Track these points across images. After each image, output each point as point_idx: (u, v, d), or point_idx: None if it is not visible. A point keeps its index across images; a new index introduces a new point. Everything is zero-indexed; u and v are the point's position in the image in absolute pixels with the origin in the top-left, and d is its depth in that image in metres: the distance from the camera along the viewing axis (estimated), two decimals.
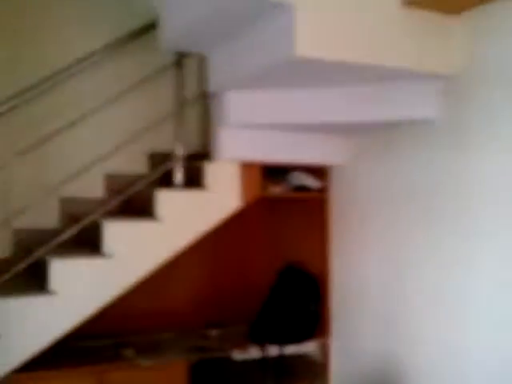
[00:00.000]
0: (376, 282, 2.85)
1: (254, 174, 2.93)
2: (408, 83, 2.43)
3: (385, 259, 2.80)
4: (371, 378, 2.84)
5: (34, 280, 2.63)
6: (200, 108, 3.15)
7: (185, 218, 2.75)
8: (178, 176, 2.83)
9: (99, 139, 3.10)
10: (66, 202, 3.20)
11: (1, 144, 2.93)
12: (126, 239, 2.62)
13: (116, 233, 2.60)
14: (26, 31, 3.20)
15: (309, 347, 3.10)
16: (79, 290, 2.51)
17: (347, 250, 3.07)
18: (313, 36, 2.03)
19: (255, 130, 2.82)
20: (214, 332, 3.21)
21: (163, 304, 3.31)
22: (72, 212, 3.17)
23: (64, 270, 2.49)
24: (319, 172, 3.20)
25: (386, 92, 2.49)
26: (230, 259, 3.56)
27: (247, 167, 2.90)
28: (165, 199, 2.72)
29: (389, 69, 2.22)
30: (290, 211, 3.53)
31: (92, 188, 3.28)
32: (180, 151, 2.84)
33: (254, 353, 2.95)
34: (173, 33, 2.55)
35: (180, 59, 2.84)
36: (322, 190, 3.19)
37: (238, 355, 2.92)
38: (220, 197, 2.83)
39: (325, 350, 3.14)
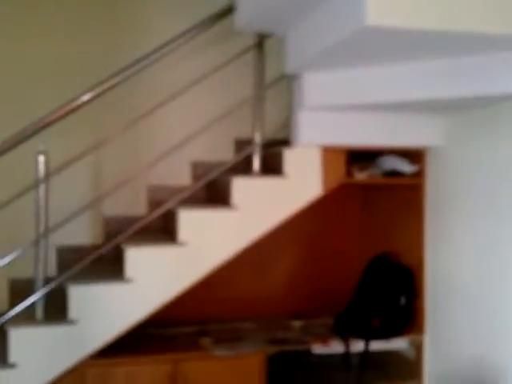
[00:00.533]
0: (475, 276, 2.53)
1: (336, 160, 2.71)
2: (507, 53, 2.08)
3: (484, 251, 2.47)
4: (468, 379, 2.54)
5: (120, 267, 2.68)
6: (282, 92, 2.98)
7: (261, 206, 2.62)
8: (256, 163, 2.71)
9: (184, 125, 3.02)
10: (153, 190, 3.21)
11: (90, 129, 2.99)
12: (201, 227, 2.56)
13: (191, 221, 2.55)
14: (121, 20, 3.27)
15: (399, 344, 2.84)
16: (154, 277, 2.50)
17: (444, 241, 2.75)
18: (386, 1, 1.78)
19: (338, 112, 2.61)
20: (296, 323, 3.06)
21: (247, 293, 3.20)
22: (159, 200, 3.18)
23: (139, 258, 2.50)
24: (413, 155, 2.90)
25: (482, 64, 2.15)
26: (318, 249, 3.35)
27: (330, 152, 2.70)
28: (241, 187, 2.61)
29: (486, 37, 1.89)
30: (381, 198, 3.25)
31: (179, 175, 3.26)
32: (258, 137, 2.71)
33: (336, 347, 2.76)
34: (249, 13, 2.42)
35: (261, 41, 2.71)
36: (417, 175, 2.88)
37: (318, 349, 2.74)
38: (299, 184, 2.66)
39: (418, 348, 2.87)
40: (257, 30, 2.60)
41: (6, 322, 2.35)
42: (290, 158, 2.66)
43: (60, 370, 2.39)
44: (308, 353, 2.74)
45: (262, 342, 2.76)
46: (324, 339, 2.80)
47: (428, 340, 2.85)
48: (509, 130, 2.31)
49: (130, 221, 3.02)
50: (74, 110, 2.49)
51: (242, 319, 3.10)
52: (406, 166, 2.87)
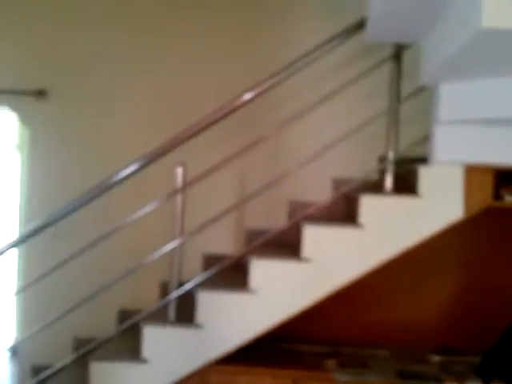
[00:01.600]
0: None
1: (482, 180, 2.43)
2: None
3: None
4: None
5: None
6: (420, 106, 2.77)
7: (391, 226, 2.46)
8: (388, 180, 2.55)
9: (322, 140, 2.98)
10: (294, 205, 3.21)
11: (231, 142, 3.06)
12: (325, 244, 2.49)
13: (314, 237, 2.49)
14: (263, 28, 3.36)
15: None
16: (277, 290, 2.49)
17: None
18: (502, 2, 1.55)
19: (482, 126, 2.34)
20: (435, 358, 2.77)
21: (387, 319, 3.00)
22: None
23: (263, 271, 2.51)
24: None
25: None
26: (473, 279, 3.01)
27: (473, 171, 2.43)
28: (369, 205, 2.48)
29: None
30: None
31: (320, 191, 3.21)
32: (391, 154, 2.55)
33: None
34: (379, 22, 2.31)
35: (398, 52, 2.57)
36: None
37: None
38: (435, 205, 2.44)
39: None
40: (391, 41, 2.47)
41: (140, 319, 2.55)
42: (426, 176, 2.45)
43: (186, 370, 2.50)
44: None
45: (391, 373, 2.56)
46: (461, 379, 2.50)
47: None
48: None
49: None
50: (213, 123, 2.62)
51: (376, 346, 2.92)
52: None
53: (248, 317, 2.50)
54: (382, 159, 3.10)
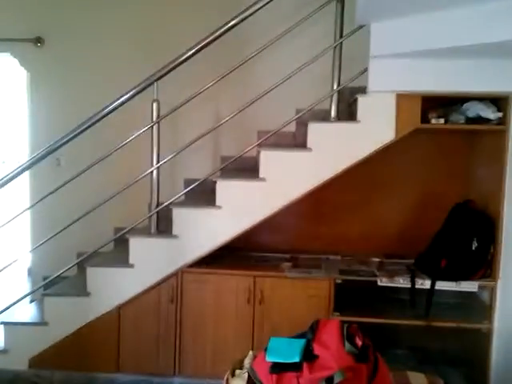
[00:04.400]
0: None
1: (411, 105, 2.70)
2: None
3: None
4: None
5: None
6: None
7: (334, 148, 2.76)
8: (333, 109, 2.83)
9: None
10: (262, 135, 3.49)
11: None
12: (279, 165, 2.82)
13: (270, 160, 2.82)
14: None
15: (470, 287, 2.76)
16: (238, 206, 2.86)
17: None
18: None
19: (411, 58, 2.58)
20: (375, 260, 3.14)
21: (342, 231, 3.35)
22: (268, 143, 3.46)
23: (226, 189, 2.87)
24: (497, 102, 2.71)
25: None
26: (411, 194, 3.32)
27: (404, 98, 2.70)
28: (317, 131, 2.77)
29: None
30: (471, 144, 3.10)
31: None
32: (335, 85, 2.82)
33: (401, 282, 2.80)
34: None
35: None
36: (501, 122, 2.70)
37: (383, 282, 2.81)
38: (371, 129, 2.73)
39: (491, 292, 2.78)
40: None
41: (127, 233, 2.95)
42: (363, 103, 2.73)
43: (165, 273, 2.93)
44: (375, 285, 2.85)
45: (335, 271, 2.94)
46: (392, 275, 2.86)
47: (501, 286, 2.74)
48: None
49: (242, 160, 3.39)
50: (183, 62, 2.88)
51: (331, 254, 3.29)
52: (491, 113, 2.71)
53: (215, 228, 2.89)
54: (341, 92, 3.38)
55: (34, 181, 3.76)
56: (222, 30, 2.85)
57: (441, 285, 2.78)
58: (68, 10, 3.70)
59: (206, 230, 2.89)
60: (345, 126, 2.77)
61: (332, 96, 2.84)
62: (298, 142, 3.44)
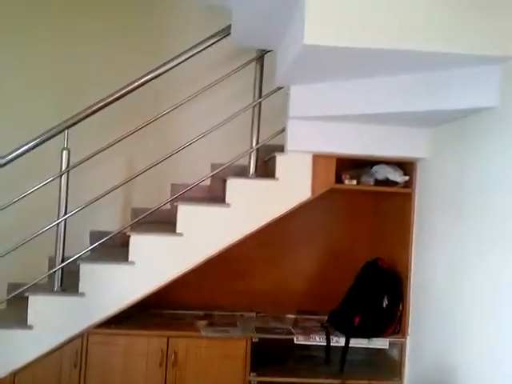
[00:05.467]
0: (442, 281, 2.51)
1: (326, 166, 2.79)
2: (461, 69, 2.07)
3: (451, 258, 2.43)
4: (433, 380, 2.51)
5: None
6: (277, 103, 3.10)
7: (252, 205, 2.76)
8: (251, 165, 2.86)
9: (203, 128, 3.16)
10: (176, 187, 3.41)
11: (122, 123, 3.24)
12: (196, 220, 2.75)
13: (187, 215, 2.75)
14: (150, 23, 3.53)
15: (381, 344, 2.83)
16: (153, 261, 2.73)
17: (425, 248, 2.74)
18: (323, 23, 1.86)
19: (325, 122, 2.68)
20: (291, 317, 3.14)
21: (256, 287, 3.32)
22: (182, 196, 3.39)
23: (141, 244, 2.73)
24: (405, 166, 2.90)
25: (442, 79, 2.16)
26: (325, 251, 3.41)
27: (320, 159, 2.78)
28: (234, 186, 2.77)
29: (429, 53, 1.92)
30: (381, 205, 3.27)
31: (200, 175, 3.45)
32: (254, 142, 2.86)
33: (317, 340, 2.81)
34: (242, 31, 2.57)
35: (261, 56, 2.86)
36: (407, 185, 2.88)
37: (299, 340, 2.81)
38: (289, 187, 2.77)
39: (400, 349, 2.86)
40: (255, 46, 2.76)
41: (26, 291, 2.68)
42: (281, 162, 2.77)
43: (69, 334, 2.69)
44: (291, 343, 2.83)
45: (251, 329, 2.88)
46: (309, 332, 2.87)
47: (410, 342, 2.84)
48: (476, 140, 2.27)
49: (154, 213, 3.29)
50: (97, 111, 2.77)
51: (245, 310, 3.23)
52: (398, 176, 2.88)
53: (126, 285, 2.72)
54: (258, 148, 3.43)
55: None
56: (139, 82, 2.81)
57: (354, 342, 2.82)
58: None
59: (117, 287, 2.71)
60: (263, 183, 2.78)
61: (251, 153, 2.87)
62: (212, 195, 3.42)
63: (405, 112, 2.37)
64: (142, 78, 2.81)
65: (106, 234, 3.29)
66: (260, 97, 2.84)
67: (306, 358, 3.01)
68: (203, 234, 2.74)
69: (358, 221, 3.40)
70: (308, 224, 3.34)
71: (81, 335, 2.69)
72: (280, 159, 2.77)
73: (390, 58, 2.03)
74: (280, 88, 2.79)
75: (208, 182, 3.46)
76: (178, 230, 2.74)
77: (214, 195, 3.39)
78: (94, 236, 3.34)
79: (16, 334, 2.64)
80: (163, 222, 3.11)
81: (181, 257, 2.73)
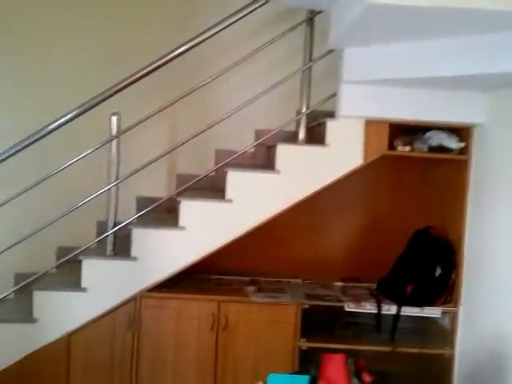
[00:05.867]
0: (501, 252, 2.45)
1: (379, 132, 2.71)
2: None
3: None
4: (494, 352, 2.47)
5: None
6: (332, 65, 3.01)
7: (302, 172, 2.72)
8: (301, 132, 2.80)
9: (246, 93, 3.01)
10: (220, 153, 3.40)
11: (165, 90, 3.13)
12: (245, 187, 2.73)
13: (236, 181, 2.73)
14: None
15: (433, 313, 2.80)
16: (203, 227, 2.73)
17: (483, 218, 2.66)
18: None
19: (380, 86, 2.60)
20: (338, 284, 3.13)
21: (301, 254, 3.28)
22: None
23: (191, 210, 2.74)
24: (460, 132, 2.80)
25: (504, 42, 2.04)
26: (372, 218, 3.34)
27: (372, 125, 2.71)
28: (284, 153, 2.72)
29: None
30: (433, 172, 3.17)
31: (244, 142, 3.41)
32: (304, 108, 2.80)
33: (368, 308, 2.80)
34: None
35: (311, 17, 2.77)
36: (462, 152, 2.79)
37: (350, 307, 2.80)
38: (340, 153, 2.71)
39: (453, 318, 2.82)
40: (305, 7, 2.67)
41: (79, 255, 2.73)
42: (333, 128, 2.71)
43: (122, 298, 2.73)
44: (341, 310, 2.82)
45: (300, 295, 2.88)
46: (358, 300, 2.85)
47: (462, 311, 2.80)
48: None
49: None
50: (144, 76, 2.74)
51: (290, 277, 3.24)
52: (453, 143, 2.79)
53: (177, 250, 2.74)
54: (299, 113, 3.37)
55: None
56: (185, 47, 2.75)
57: (405, 310, 2.80)
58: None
59: (169, 252, 2.74)
60: (314, 150, 2.73)
61: (300, 119, 2.81)
62: (257, 162, 3.39)
63: (463, 75, 2.27)
64: (187, 42, 2.77)
65: (152, 199, 3.32)
66: (310, 60, 2.77)
67: (354, 325, 3.00)
68: (253, 201, 2.72)
69: (407, 189, 3.30)
70: (354, 191, 3.27)
71: (134, 298, 2.75)
72: (331, 125, 2.71)
73: (455, 18, 1.91)
74: (331, 51, 2.71)
75: (252, 149, 3.44)
76: (228, 196, 2.73)
77: (259, 162, 3.37)
78: (141, 202, 3.38)
79: (71, 296, 2.71)
80: (205, 189, 3.12)
81: (231, 223, 2.73)
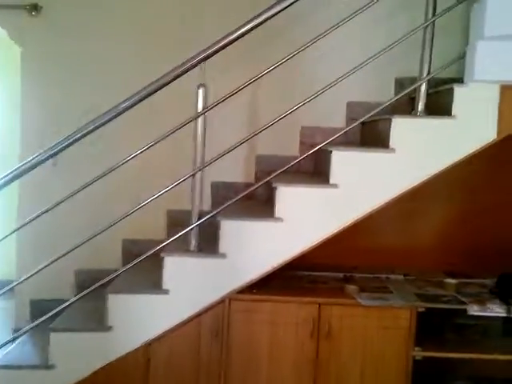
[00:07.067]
0: None
1: None
2: None
3: None
4: None
5: (269, 205, 2.52)
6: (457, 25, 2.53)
7: (423, 149, 2.26)
8: (421, 102, 2.33)
9: (345, 61, 2.67)
10: (306, 131, 2.96)
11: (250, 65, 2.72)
12: (354, 169, 2.28)
13: (343, 162, 2.28)
14: None
15: None
16: (304, 218, 2.29)
17: None
18: None
19: None
20: (450, 281, 2.66)
21: (396, 244, 2.86)
22: (313, 141, 2.93)
23: (290, 198, 2.29)
24: None
25: None
26: (480, 203, 2.85)
27: (509, 91, 2.21)
28: (400, 127, 2.26)
29: None
30: None
31: (333, 117, 2.96)
32: (425, 73, 2.32)
33: (496, 310, 2.35)
34: None
35: None
36: None
37: (474, 310, 2.36)
38: (469, 127, 2.24)
39: None
40: None
41: (161, 250, 2.32)
42: (462, 96, 2.23)
43: (208, 300, 2.32)
44: (460, 313, 2.38)
45: (411, 296, 2.45)
46: (482, 300, 2.40)
47: None
48: None
49: (281, 161, 2.88)
50: (232, 42, 2.28)
51: (388, 271, 2.80)
52: None
53: (273, 245, 2.31)
54: (400, 82, 2.90)
55: (24, 186, 2.92)
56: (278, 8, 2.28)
57: None
58: None
59: (263, 247, 2.30)
60: (438, 123, 2.25)
61: (420, 85, 2.34)
62: (349, 140, 2.94)
63: None
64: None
65: (229, 185, 2.93)
66: (434, 15, 2.29)
67: (472, 329, 2.56)
68: (363, 185, 2.27)
69: None
70: (461, 172, 2.78)
71: (222, 301, 2.34)
72: (459, 92, 2.23)
73: None
74: (460, 2, 2.23)
75: (342, 124, 2.99)
76: (333, 180, 2.28)
77: (351, 139, 2.91)
78: (216, 187, 2.97)
79: (150, 300, 2.31)
80: (294, 172, 2.69)
81: (335, 212, 2.27)
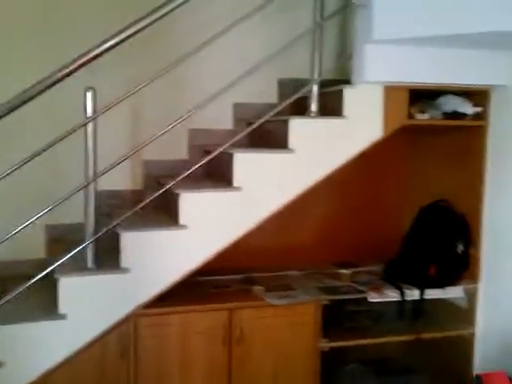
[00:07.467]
0: None
1: (399, 100, 2.40)
2: None
3: None
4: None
5: (164, 213, 2.41)
6: (340, 28, 2.64)
7: (320, 149, 2.33)
8: (314, 103, 2.41)
9: (228, 67, 2.68)
10: (194, 133, 2.90)
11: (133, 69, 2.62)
12: (257, 170, 2.28)
13: (245, 164, 2.26)
14: None
15: (454, 293, 2.62)
16: (209, 223, 2.23)
17: (504, 188, 2.50)
18: None
19: (405, 45, 2.27)
20: (344, 272, 2.82)
21: (288, 242, 2.92)
22: (200, 143, 2.87)
23: (193, 204, 2.22)
24: (476, 97, 2.59)
25: None
26: (364, 197, 3.04)
27: (392, 91, 2.38)
28: (298, 128, 2.31)
29: None
30: (437, 141, 2.90)
31: (221, 119, 2.94)
32: (316, 75, 2.40)
33: (391, 295, 2.53)
34: None
35: None
36: (479, 117, 2.59)
37: (373, 297, 2.51)
38: (359, 126, 2.36)
39: (472, 296, 2.64)
40: None
41: (53, 271, 2.09)
42: (351, 97, 2.35)
43: (113, 320, 2.16)
44: (359, 301, 2.52)
45: (314, 290, 2.53)
46: (377, 287, 2.57)
47: (482, 289, 2.64)
48: None
49: (169, 165, 2.78)
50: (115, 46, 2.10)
51: (286, 269, 2.84)
52: (468, 108, 2.57)
53: (179, 254, 2.21)
54: (283, 83, 2.95)
55: None
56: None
57: (429, 293, 2.57)
58: None
59: (168, 257, 2.20)
60: (332, 123, 2.34)
61: (312, 87, 2.41)
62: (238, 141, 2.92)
63: (488, 32, 2.04)
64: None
65: (115, 193, 2.79)
66: (322, 18, 2.36)
67: (371, 316, 2.72)
68: (265, 187, 2.27)
69: (408, 161, 3.03)
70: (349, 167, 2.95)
71: (127, 319, 2.19)
72: (348, 93, 2.34)
73: None
74: (347, 6, 2.33)
75: (229, 126, 2.97)
76: (236, 183, 2.26)
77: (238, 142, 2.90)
78: (101, 197, 2.76)
79: (45, 327, 2.07)
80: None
81: (241, 214, 2.25)
